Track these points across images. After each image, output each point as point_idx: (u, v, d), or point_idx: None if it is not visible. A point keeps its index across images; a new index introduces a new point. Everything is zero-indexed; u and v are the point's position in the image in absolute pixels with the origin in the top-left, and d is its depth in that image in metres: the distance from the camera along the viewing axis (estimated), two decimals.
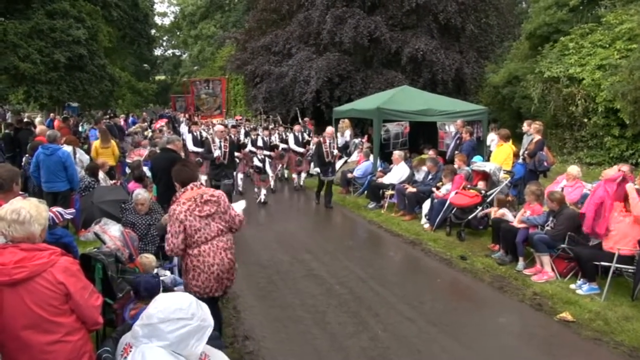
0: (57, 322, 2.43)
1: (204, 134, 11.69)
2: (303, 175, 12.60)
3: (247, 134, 14.51)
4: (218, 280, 3.80)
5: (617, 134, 13.65)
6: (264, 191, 10.70)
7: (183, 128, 16.34)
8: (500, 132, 9.69)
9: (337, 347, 4.44)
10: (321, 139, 10.23)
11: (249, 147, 12.30)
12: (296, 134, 12.68)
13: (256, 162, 10.92)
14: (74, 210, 4.58)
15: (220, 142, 8.89)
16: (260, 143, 12.12)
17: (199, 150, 10.85)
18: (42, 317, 2.39)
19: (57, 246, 2.61)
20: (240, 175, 11.39)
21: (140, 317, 2.40)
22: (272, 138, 12.97)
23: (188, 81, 19.24)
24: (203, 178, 10.72)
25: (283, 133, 13.85)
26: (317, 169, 10.09)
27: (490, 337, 4.66)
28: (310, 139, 12.77)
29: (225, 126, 11.59)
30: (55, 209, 4.14)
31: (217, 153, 8.75)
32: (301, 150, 12.34)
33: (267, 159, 11.18)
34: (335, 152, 10.21)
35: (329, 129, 10.33)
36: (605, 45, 14.65)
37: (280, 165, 12.97)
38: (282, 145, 12.72)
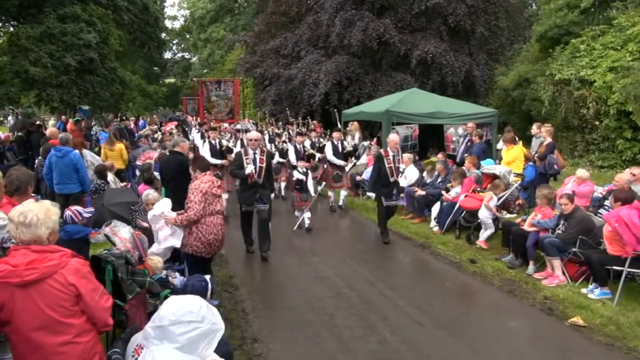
0: (67, 324, 2.45)
1: (224, 142, 9.89)
2: (344, 193, 10.29)
3: (271, 141, 12.29)
4: (209, 246, 4.91)
5: (629, 136, 13.50)
6: (307, 214, 8.61)
7: (194, 134, 14.78)
8: (505, 137, 9.60)
9: (345, 350, 4.42)
10: (382, 151, 7.91)
11: (277, 158, 10.45)
12: (335, 142, 10.10)
13: (297, 176, 8.65)
14: (93, 209, 4.68)
15: (254, 154, 6.78)
16: (292, 152, 10.15)
17: (218, 162, 9.23)
18: (53, 319, 2.41)
19: (69, 244, 2.63)
20: (278, 190, 8.83)
21: (152, 319, 2.42)
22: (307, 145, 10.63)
23: (198, 81, 17.66)
24: (224, 197, 8.93)
25: (317, 139, 11.45)
26: (372, 194, 7.83)
27: (500, 341, 4.62)
28: (352, 148, 10.44)
29: (261, 132, 9.94)
30: (74, 207, 4.27)
31: (249, 169, 6.68)
32: (341, 162, 9.97)
33: (309, 173, 8.82)
34: (402, 166, 7.95)
35: (393, 137, 7.88)
36: (617, 47, 14.52)
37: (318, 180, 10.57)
38: (318, 155, 10.28)
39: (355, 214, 10.05)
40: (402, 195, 8.83)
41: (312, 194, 8.76)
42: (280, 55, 21.61)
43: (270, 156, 7.46)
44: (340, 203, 10.28)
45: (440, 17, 18.76)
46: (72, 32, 22.54)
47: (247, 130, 12.04)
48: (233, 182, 9.51)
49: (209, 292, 3.83)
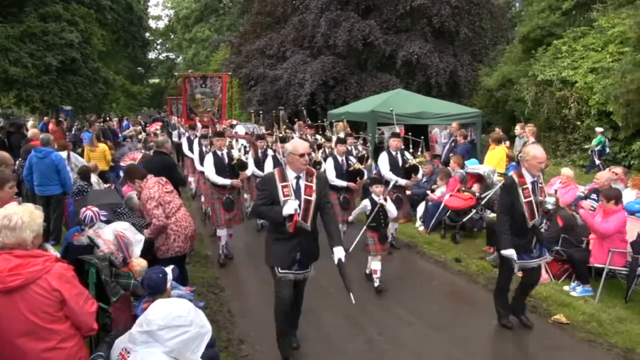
0: (52, 329, 2.42)
1: (235, 153, 7.07)
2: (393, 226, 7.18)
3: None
4: (190, 239, 4.94)
5: (609, 136, 13.74)
6: (377, 264, 5.84)
7: (178, 135, 13.52)
8: (492, 136, 9.74)
9: (333, 350, 4.43)
10: (514, 175, 4.63)
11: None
12: (393, 152, 7.14)
13: (367, 206, 5.85)
14: (106, 213, 4.62)
15: (297, 179, 4.06)
16: (331, 168, 7.05)
17: (227, 182, 6.65)
18: (37, 325, 2.38)
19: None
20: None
21: (138, 323, 2.39)
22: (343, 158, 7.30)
23: (180, 76, 15.76)
24: (222, 234, 6.77)
25: (352, 147, 8.44)
26: (509, 252, 4.50)
27: (485, 339, 4.67)
28: (415, 162, 7.29)
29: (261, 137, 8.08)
30: (93, 208, 4.33)
31: (292, 207, 3.88)
32: (402, 182, 7.06)
33: (389, 201, 5.93)
34: (550, 201, 4.76)
35: (538, 153, 4.55)
36: (598, 48, 14.78)
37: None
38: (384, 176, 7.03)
39: None
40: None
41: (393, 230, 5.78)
42: (265, 56, 21.58)
43: (324, 182, 4.38)
44: (391, 237, 7.15)
45: (424, 18, 18.90)
46: (53, 32, 22.18)
47: (262, 137, 8.92)
48: (243, 209, 7.54)
49: (169, 283, 3.69)
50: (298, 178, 4.05)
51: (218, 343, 4.23)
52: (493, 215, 8.15)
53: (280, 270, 4.07)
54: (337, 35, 18.36)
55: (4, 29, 21.51)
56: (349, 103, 16.58)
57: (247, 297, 5.69)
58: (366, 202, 5.87)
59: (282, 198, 3.94)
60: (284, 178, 4.01)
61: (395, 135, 7.47)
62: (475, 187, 8.21)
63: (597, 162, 13.18)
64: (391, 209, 5.86)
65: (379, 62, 19.52)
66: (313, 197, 4.02)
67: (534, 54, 16.81)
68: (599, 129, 13.01)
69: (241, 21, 27.93)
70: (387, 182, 6.63)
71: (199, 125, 11.64)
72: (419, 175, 7.56)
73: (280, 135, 8.86)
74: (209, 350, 3.20)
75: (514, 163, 9.25)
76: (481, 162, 9.55)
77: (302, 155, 3.97)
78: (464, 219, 7.69)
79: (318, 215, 4.16)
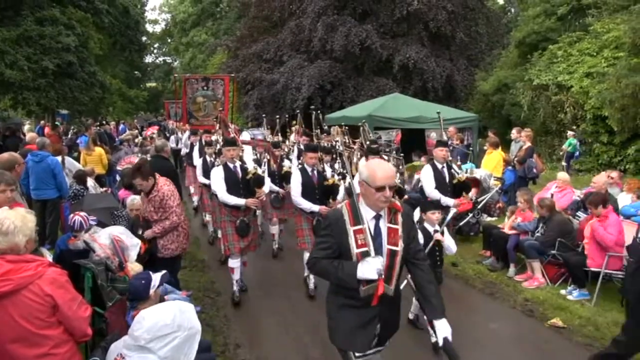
0: (44, 335, 2.40)
1: (250, 167, 5.65)
2: (450, 246, 4.84)
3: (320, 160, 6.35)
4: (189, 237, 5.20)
5: (605, 140, 13.80)
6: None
7: (180, 144, 12.17)
8: (490, 140, 9.77)
9: (330, 354, 4.41)
10: None
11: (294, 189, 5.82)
12: (439, 166, 6.08)
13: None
14: (95, 218, 4.60)
15: (376, 220, 2.69)
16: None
17: (241, 203, 5.39)
18: (29, 331, 2.35)
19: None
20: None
21: (129, 335, 2.38)
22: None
23: (180, 78, 14.80)
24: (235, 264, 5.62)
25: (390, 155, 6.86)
26: None
27: (482, 343, 4.66)
28: (466, 176, 6.27)
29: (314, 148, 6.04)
30: (81, 213, 4.31)
31: (372, 269, 2.54)
32: (449, 202, 5.88)
33: (447, 233, 4.81)
34: None
35: None
36: (593, 53, 14.87)
37: None
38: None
39: None
40: None
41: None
42: (262, 60, 21.60)
43: (412, 220, 2.93)
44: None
45: (421, 22, 18.98)
46: (50, 35, 22.12)
47: (278, 145, 6.71)
48: (258, 237, 6.17)
49: (152, 288, 3.54)
50: (377, 218, 2.70)
51: (214, 347, 4.21)
52: (489, 219, 8.18)
53: (355, 353, 2.87)
54: (334, 39, 18.41)
55: (0, 32, 21.46)
56: (346, 107, 16.61)
57: (244, 301, 5.66)
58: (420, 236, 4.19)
59: (354, 249, 2.62)
60: (356, 218, 2.64)
61: (441, 144, 6.07)
62: (472, 192, 8.23)
63: (564, 164, 13.36)
64: (450, 244, 4.70)
65: (376, 66, 19.57)
66: (400, 247, 2.69)
67: (530, 58, 16.89)
68: (570, 132, 13.08)
69: (238, 25, 27.96)
70: (444, 207, 5.42)
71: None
72: (470, 194, 6.33)
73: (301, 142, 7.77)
74: (205, 355, 3.19)
75: (510, 167, 9.27)
76: (478, 166, 9.59)
77: (379, 189, 2.56)
78: (461, 223, 7.70)
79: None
